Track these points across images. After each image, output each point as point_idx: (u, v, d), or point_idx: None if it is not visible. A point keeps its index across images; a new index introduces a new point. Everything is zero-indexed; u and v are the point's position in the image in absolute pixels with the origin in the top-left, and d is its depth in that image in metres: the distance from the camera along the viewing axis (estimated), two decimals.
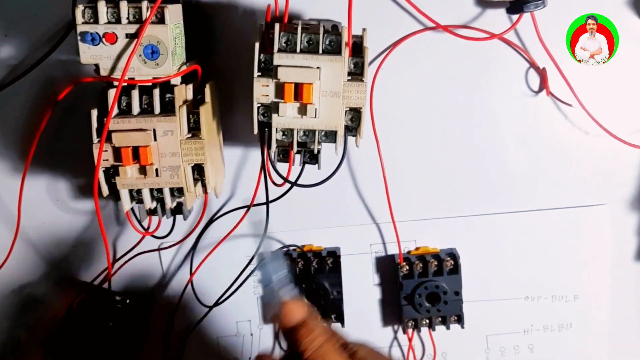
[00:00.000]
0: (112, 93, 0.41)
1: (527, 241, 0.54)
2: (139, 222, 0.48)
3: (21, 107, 0.49)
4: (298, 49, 0.41)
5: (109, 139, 0.41)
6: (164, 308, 0.54)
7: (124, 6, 0.40)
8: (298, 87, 0.41)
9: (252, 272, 0.53)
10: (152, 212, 0.46)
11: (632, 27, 0.49)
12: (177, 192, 0.44)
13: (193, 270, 0.53)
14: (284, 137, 0.43)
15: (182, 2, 0.42)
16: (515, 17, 0.48)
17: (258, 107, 0.42)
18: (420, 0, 0.48)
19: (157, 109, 0.42)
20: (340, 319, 0.53)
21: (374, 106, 0.49)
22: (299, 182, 0.46)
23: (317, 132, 0.42)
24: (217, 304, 0.52)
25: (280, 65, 0.40)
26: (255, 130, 0.42)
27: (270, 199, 0.49)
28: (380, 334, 0.56)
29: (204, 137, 0.42)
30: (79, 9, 0.40)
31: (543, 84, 0.50)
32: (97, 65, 0.41)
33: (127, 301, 0.53)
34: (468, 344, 0.56)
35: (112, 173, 0.42)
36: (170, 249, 0.53)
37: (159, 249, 0.53)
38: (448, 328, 0.53)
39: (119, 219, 0.52)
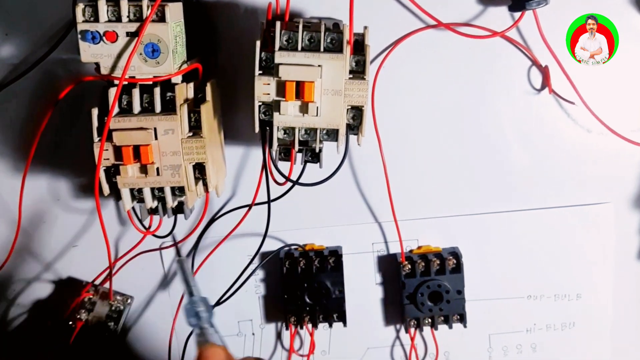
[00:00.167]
0: (112, 92, 0.41)
1: (529, 240, 0.54)
2: (140, 221, 0.48)
3: (22, 106, 0.49)
4: (299, 47, 0.41)
5: (109, 138, 0.41)
6: (165, 307, 0.54)
7: (124, 4, 0.40)
8: (299, 86, 0.40)
9: (253, 271, 0.53)
10: (153, 212, 0.46)
11: (634, 26, 0.49)
12: (178, 191, 0.44)
13: (194, 270, 0.53)
14: (285, 135, 0.43)
15: (182, 1, 0.42)
16: (517, 14, 0.48)
17: (259, 106, 0.42)
18: None
19: (158, 108, 0.42)
20: (342, 318, 0.53)
21: (376, 104, 0.49)
22: (300, 180, 0.46)
23: (318, 131, 0.42)
24: (218, 303, 0.52)
25: (281, 64, 0.40)
26: (257, 129, 0.42)
27: (271, 197, 0.48)
28: (382, 333, 0.56)
29: (205, 136, 0.42)
30: (80, 7, 0.40)
31: (545, 82, 0.50)
32: (97, 64, 0.41)
33: (128, 301, 0.53)
34: (470, 343, 0.56)
35: (113, 172, 0.42)
36: (172, 248, 0.53)
37: (160, 249, 0.53)
38: (450, 327, 0.53)
39: (120, 218, 0.52)
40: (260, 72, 0.41)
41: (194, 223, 0.52)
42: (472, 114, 0.51)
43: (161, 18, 0.40)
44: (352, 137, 0.44)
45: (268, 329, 0.55)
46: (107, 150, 0.41)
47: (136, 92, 0.42)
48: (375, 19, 0.48)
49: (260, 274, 0.54)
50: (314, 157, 0.45)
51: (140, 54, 0.40)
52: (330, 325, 0.53)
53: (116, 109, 0.41)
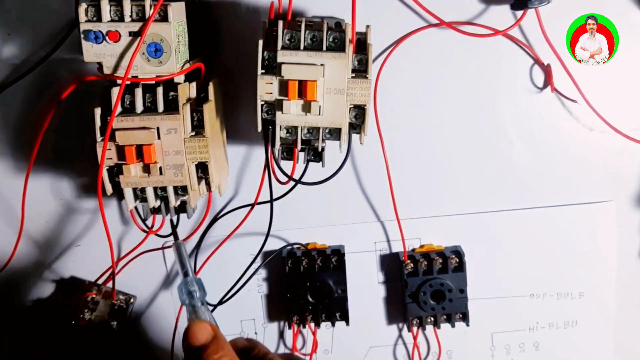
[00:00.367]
0: (115, 91, 0.41)
1: (532, 238, 0.54)
2: (143, 220, 0.48)
3: (24, 106, 0.49)
4: (302, 46, 0.41)
5: (112, 138, 0.41)
6: (167, 306, 0.54)
7: (127, 4, 0.40)
8: (302, 85, 0.40)
9: (256, 270, 0.53)
10: (155, 211, 0.46)
11: (635, 23, 0.49)
12: (181, 190, 0.44)
13: (197, 269, 0.53)
14: (288, 134, 0.43)
15: (185, 0, 0.42)
16: (519, 13, 0.48)
17: (262, 105, 0.42)
18: None
19: (160, 107, 0.42)
20: (345, 317, 0.53)
21: (378, 103, 0.49)
22: (303, 179, 0.46)
23: (321, 130, 0.42)
24: (221, 302, 0.52)
25: (284, 63, 0.40)
26: (259, 128, 0.42)
27: (274, 197, 0.48)
28: (385, 332, 0.56)
29: (208, 135, 0.42)
30: (82, 7, 0.40)
31: (548, 80, 0.50)
32: (100, 64, 0.41)
33: (131, 300, 0.53)
34: (473, 342, 0.56)
35: (115, 172, 0.42)
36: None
37: (162, 248, 0.53)
38: (453, 326, 0.53)
39: (123, 218, 0.52)
40: (263, 71, 0.41)
41: (196, 222, 0.52)
42: (474, 112, 0.51)
43: (164, 17, 0.40)
44: (355, 136, 0.44)
45: (271, 328, 0.55)
46: (110, 149, 0.41)
47: (139, 92, 0.42)
48: (377, 17, 0.48)
49: (262, 273, 0.54)
50: (317, 156, 0.45)
51: (143, 53, 0.40)
52: (333, 324, 0.53)
53: (119, 109, 0.41)
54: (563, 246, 0.54)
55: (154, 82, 0.41)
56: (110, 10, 0.40)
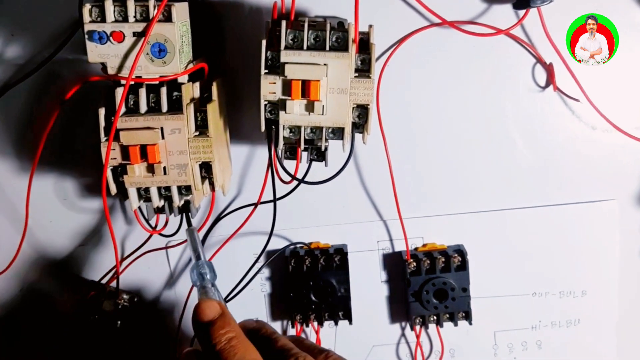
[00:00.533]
0: (119, 92, 0.41)
1: (534, 237, 0.54)
2: (147, 220, 0.48)
3: (28, 107, 0.49)
4: (305, 46, 0.41)
5: (116, 138, 0.41)
6: (171, 306, 0.54)
7: (131, 5, 0.40)
8: (305, 84, 0.41)
9: (259, 269, 0.53)
10: (159, 211, 0.46)
11: (636, 24, 0.49)
12: (185, 190, 0.44)
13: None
14: (291, 134, 0.43)
15: (188, 0, 0.42)
16: (521, 12, 0.48)
17: (265, 105, 0.42)
18: None
19: (164, 107, 0.42)
20: (348, 316, 0.53)
21: (381, 103, 0.49)
22: (306, 179, 0.46)
23: (324, 129, 0.42)
24: (224, 301, 0.52)
25: (287, 63, 0.40)
26: (263, 128, 0.42)
27: (277, 196, 0.49)
28: (387, 331, 0.56)
29: (212, 135, 0.42)
30: (86, 7, 0.40)
31: (550, 80, 0.50)
32: (104, 64, 0.41)
33: (135, 299, 0.53)
34: (476, 341, 0.56)
35: (119, 172, 0.42)
36: (178, 247, 0.53)
37: (166, 247, 0.53)
38: (456, 325, 0.53)
39: (127, 218, 0.52)
40: (266, 71, 0.41)
41: (200, 222, 0.52)
42: (477, 111, 0.51)
43: (167, 18, 0.40)
44: (358, 136, 0.44)
45: (274, 327, 0.55)
46: (114, 149, 0.41)
47: (143, 92, 0.42)
48: (379, 17, 0.48)
49: (266, 272, 0.54)
50: (320, 155, 0.45)
51: (147, 53, 0.40)
52: (336, 323, 0.53)
53: (123, 109, 0.41)
54: (565, 245, 0.54)
55: (157, 82, 0.42)
56: (114, 11, 0.40)
